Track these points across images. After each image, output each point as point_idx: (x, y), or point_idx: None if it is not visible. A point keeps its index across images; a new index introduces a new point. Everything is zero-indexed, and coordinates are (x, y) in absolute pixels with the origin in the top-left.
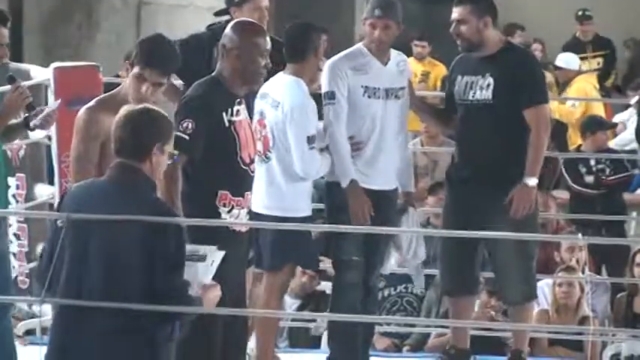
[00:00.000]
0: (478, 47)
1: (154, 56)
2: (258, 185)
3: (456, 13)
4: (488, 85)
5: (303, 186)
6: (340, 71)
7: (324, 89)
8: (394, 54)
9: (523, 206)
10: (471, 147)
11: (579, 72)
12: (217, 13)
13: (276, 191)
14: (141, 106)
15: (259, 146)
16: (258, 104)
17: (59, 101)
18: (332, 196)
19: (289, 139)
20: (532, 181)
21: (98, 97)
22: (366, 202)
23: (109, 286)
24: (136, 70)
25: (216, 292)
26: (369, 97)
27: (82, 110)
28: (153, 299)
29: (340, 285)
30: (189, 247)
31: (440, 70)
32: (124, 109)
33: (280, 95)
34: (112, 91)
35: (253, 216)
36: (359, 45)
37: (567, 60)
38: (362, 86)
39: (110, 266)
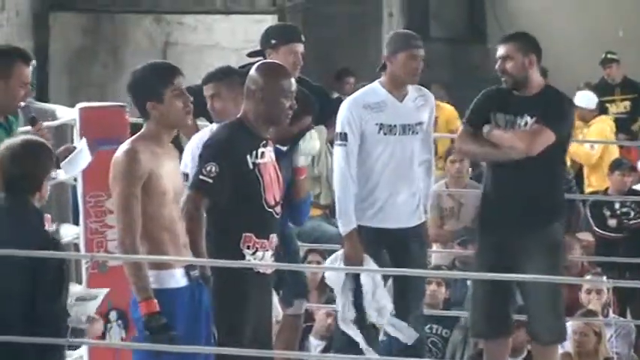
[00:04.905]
0: (522, 86)
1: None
2: None
3: (502, 50)
4: (526, 124)
5: None
6: (354, 112)
7: (337, 129)
8: (412, 89)
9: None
10: (505, 187)
11: (598, 112)
12: (251, 54)
13: None
14: (26, 137)
15: None
16: None
17: (84, 140)
18: None
19: None
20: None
21: (132, 138)
22: (360, 250)
23: None
24: (174, 87)
25: (99, 325)
26: (384, 134)
27: (121, 153)
28: (33, 327)
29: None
30: (82, 292)
31: (446, 110)
32: (6, 145)
33: None
34: (141, 132)
35: None
36: (374, 83)
37: (585, 99)
38: (376, 124)
39: None
